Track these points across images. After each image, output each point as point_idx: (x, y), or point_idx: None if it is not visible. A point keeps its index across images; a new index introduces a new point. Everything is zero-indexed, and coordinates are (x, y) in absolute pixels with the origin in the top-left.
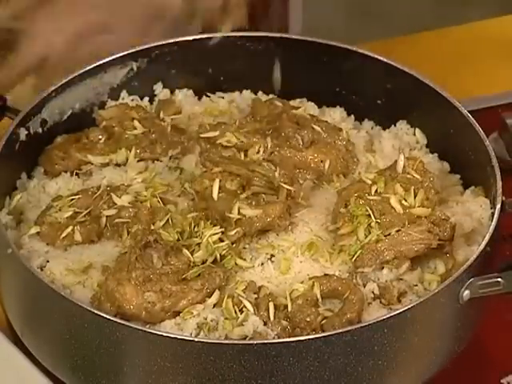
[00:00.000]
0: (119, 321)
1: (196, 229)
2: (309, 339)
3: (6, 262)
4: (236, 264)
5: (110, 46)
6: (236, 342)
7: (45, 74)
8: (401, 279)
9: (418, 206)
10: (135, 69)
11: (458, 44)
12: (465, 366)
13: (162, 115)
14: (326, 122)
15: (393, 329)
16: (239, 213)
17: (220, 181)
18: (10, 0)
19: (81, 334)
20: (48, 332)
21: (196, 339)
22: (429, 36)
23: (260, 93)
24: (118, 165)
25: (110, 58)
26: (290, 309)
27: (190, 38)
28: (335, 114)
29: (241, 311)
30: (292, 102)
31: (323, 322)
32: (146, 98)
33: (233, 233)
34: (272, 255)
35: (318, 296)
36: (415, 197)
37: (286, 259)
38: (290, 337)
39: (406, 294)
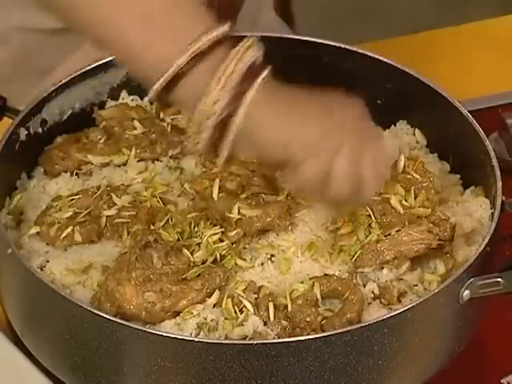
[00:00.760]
0: (119, 321)
1: (196, 229)
2: (309, 339)
3: (6, 261)
4: (236, 264)
5: None
6: (236, 342)
7: None
8: (401, 279)
9: (419, 207)
10: None
11: (457, 44)
12: (465, 366)
13: (161, 115)
14: None
15: (393, 329)
16: (239, 213)
17: (220, 181)
18: None
19: (81, 334)
20: (48, 332)
21: (196, 339)
22: (429, 36)
23: None
24: (117, 165)
25: (110, 58)
26: (289, 309)
27: None
28: None
29: (241, 311)
30: None
31: (323, 322)
32: (146, 98)
33: (233, 233)
34: (272, 255)
35: (318, 296)
36: (416, 197)
37: (285, 259)
38: (290, 337)
39: (406, 294)
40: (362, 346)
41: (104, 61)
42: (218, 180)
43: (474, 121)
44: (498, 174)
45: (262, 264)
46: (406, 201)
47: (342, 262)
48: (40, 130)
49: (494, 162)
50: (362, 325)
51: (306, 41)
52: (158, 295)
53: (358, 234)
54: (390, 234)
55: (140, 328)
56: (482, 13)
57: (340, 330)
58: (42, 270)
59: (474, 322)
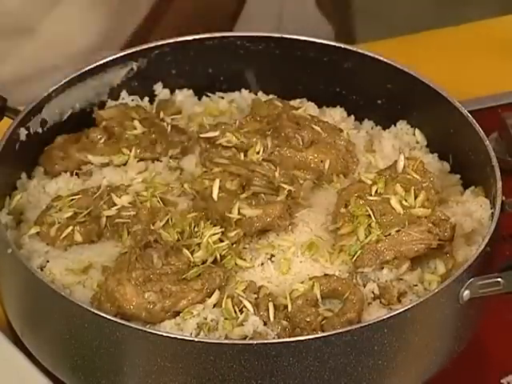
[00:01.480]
0: (119, 321)
1: (196, 229)
2: (309, 339)
3: (6, 262)
4: (236, 264)
5: None
6: (236, 341)
7: None
8: (401, 279)
9: (419, 207)
10: (135, 69)
11: (457, 44)
12: (465, 366)
13: (162, 115)
14: (326, 122)
15: (393, 329)
16: (239, 213)
17: (220, 181)
18: None
19: (81, 334)
20: (48, 332)
21: (196, 339)
22: (429, 36)
23: (260, 93)
24: (117, 165)
25: (110, 58)
26: (290, 309)
27: (190, 37)
28: (335, 114)
29: (241, 311)
30: (292, 102)
31: (323, 322)
32: (146, 98)
33: (233, 234)
34: (272, 255)
35: (318, 296)
36: (416, 197)
37: (285, 259)
38: (290, 337)
39: (406, 294)
40: (361, 346)
41: (104, 61)
42: (218, 180)
43: (474, 121)
44: (498, 174)
45: (262, 264)
46: (405, 201)
47: (342, 262)
48: (40, 130)
49: (494, 162)
50: (362, 325)
51: (306, 41)
52: (158, 295)
53: (358, 234)
54: (389, 234)
55: (140, 328)
56: (482, 13)
57: (340, 330)
58: (42, 269)
59: (474, 321)
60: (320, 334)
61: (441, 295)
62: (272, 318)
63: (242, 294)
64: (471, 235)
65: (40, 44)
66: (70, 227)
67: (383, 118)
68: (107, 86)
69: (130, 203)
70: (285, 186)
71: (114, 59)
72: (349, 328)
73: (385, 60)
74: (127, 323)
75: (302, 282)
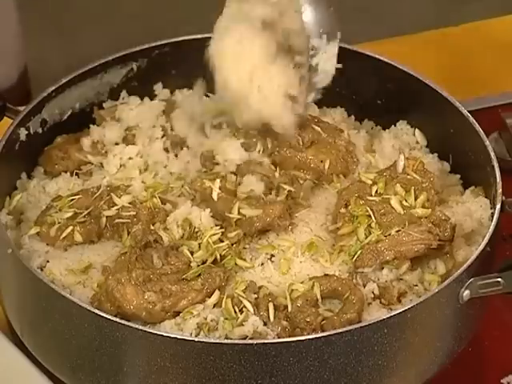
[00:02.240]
0: (119, 321)
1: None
2: (309, 339)
3: (6, 261)
4: (236, 264)
5: None
6: (236, 341)
7: None
8: (401, 279)
9: (419, 207)
10: (135, 69)
11: (458, 44)
12: (465, 366)
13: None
14: (327, 122)
15: (393, 329)
16: (239, 213)
17: (220, 181)
18: None
19: (81, 334)
20: (48, 332)
21: (196, 339)
22: (429, 36)
23: None
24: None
25: (110, 58)
26: (289, 309)
27: (190, 37)
28: (335, 115)
29: (241, 311)
30: None
31: (323, 322)
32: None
33: (233, 234)
34: (272, 255)
35: (318, 296)
36: (416, 198)
37: (285, 259)
38: (290, 337)
39: (406, 294)
40: (362, 346)
41: (104, 61)
42: (218, 180)
43: (474, 121)
44: (498, 174)
45: (262, 264)
46: (406, 201)
47: (342, 262)
48: (40, 130)
49: (494, 162)
50: (362, 325)
51: None
52: (158, 295)
53: (358, 234)
54: (390, 234)
55: (140, 328)
56: (482, 13)
57: (340, 330)
58: (42, 270)
59: (474, 322)
60: (320, 334)
61: (441, 295)
62: (272, 318)
63: (242, 294)
64: (471, 235)
65: None
66: (70, 227)
67: (383, 118)
68: (107, 86)
69: (129, 203)
70: (285, 186)
71: (114, 59)
72: (349, 328)
73: (385, 60)
74: (127, 323)
75: (302, 282)
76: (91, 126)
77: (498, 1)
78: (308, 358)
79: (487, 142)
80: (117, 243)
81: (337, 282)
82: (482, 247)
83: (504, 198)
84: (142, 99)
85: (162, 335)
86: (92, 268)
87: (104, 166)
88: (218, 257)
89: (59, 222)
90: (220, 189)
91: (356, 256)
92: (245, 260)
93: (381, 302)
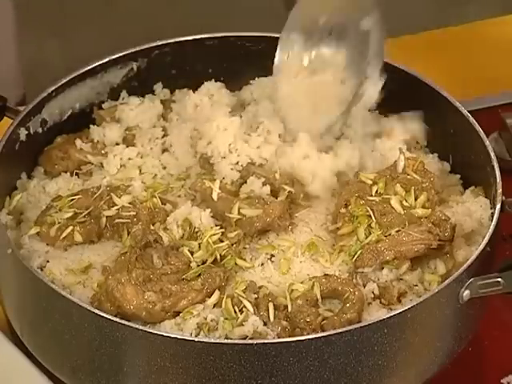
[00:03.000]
0: (119, 321)
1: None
2: (309, 339)
3: (6, 261)
4: (236, 264)
5: None
6: (236, 341)
7: None
8: (401, 279)
9: (419, 207)
10: (135, 69)
11: (458, 44)
12: (465, 366)
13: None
14: None
15: (393, 329)
16: (239, 213)
17: (220, 181)
18: None
19: (81, 334)
20: (48, 332)
21: (196, 339)
22: (429, 36)
23: None
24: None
25: (110, 58)
26: (289, 309)
27: (190, 37)
28: None
29: (241, 311)
30: None
31: (323, 322)
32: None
33: (233, 235)
34: (272, 255)
35: (318, 296)
36: (416, 199)
37: (285, 259)
38: (290, 337)
39: (406, 294)
40: (362, 346)
41: (104, 61)
42: (218, 180)
43: (474, 121)
44: (498, 174)
45: (262, 264)
46: (406, 201)
47: (342, 262)
48: (40, 130)
49: (494, 162)
50: (362, 325)
51: None
52: (158, 295)
53: (358, 234)
54: (390, 234)
55: (140, 328)
56: (482, 13)
57: (340, 330)
58: (42, 270)
59: (474, 322)
60: (320, 334)
61: (441, 295)
62: (272, 318)
63: (242, 294)
64: (471, 235)
65: None
66: (70, 227)
67: (383, 118)
68: (107, 86)
69: (129, 203)
70: (285, 186)
71: (114, 59)
72: (349, 328)
73: (385, 60)
74: (127, 323)
75: (302, 282)
76: (91, 126)
77: (498, 1)
78: (308, 358)
79: (487, 142)
80: (117, 243)
81: (337, 282)
82: (481, 247)
83: (504, 197)
84: (142, 99)
85: (162, 335)
86: (92, 268)
87: (104, 166)
88: (218, 257)
89: (59, 222)
90: (220, 189)
91: (356, 256)
92: (245, 260)
93: (381, 302)
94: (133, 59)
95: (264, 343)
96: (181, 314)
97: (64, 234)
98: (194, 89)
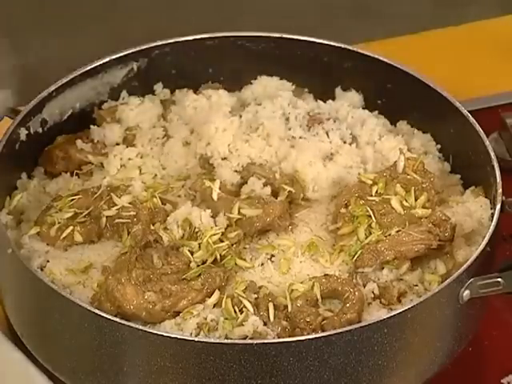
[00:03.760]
0: (119, 321)
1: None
2: (309, 339)
3: (7, 261)
4: (236, 264)
5: None
6: (236, 341)
7: None
8: (401, 279)
9: (419, 208)
10: (135, 69)
11: (458, 44)
12: (465, 366)
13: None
14: None
15: (393, 329)
16: (239, 213)
17: (220, 182)
18: None
19: (81, 334)
20: (48, 332)
21: (196, 339)
22: (429, 36)
23: None
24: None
25: (111, 58)
26: (289, 309)
27: (190, 38)
28: None
29: (241, 311)
30: None
31: (323, 322)
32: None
33: (233, 235)
34: (272, 255)
35: (318, 296)
36: (416, 199)
37: (286, 259)
38: (289, 337)
39: (406, 294)
40: (362, 346)
41: (104, 61)
42: (218, 180)
43: (475, 121)
44: (498, 173)
45: (262, 264)
46: (406, 201)
47: (342, 262)
48: (40, 130)
49: (494, 162)
50: (362, 325)
51: (305, 41)
52: (158, 295)
53: (359, 234)
54: (390, 235)
55: (140, 328)
56: (482, 13)
57: (340, 330)
58: (42, 270)
59: (474, 322)
60: (320, 334)
61: (441, 295)
62: (272, 318)
63: (242, 294)
64: (471, 235)
65: None
66: (70, 227)
67: (383, 118)
68: (107, 86)
69: (130, 203)
70: (285, 186)
71: (114, 59)
72: (349, 328)
73: (385, 60)
74: (127, 323)
75: (302, 282)
76: (91, 126)
77: (498, 1)
78: (308, 358)
79: (487, 142)
80: (117, 243)
81: (337, 282)
82: (482, 247)
83: (504, 197)
84: (142, 99)
85: (161, 335)
86: (92, 268)
87: (104, 166)
88: (218, 257)
89: (59, 222)
90: (220, 189)
91: (356, 256)
92: (245, 260)
93: (381, 302)
94: (133, 59)
95: (264, 343)
96: (181, 314)
97: (64, 234)
98: (195, 89)
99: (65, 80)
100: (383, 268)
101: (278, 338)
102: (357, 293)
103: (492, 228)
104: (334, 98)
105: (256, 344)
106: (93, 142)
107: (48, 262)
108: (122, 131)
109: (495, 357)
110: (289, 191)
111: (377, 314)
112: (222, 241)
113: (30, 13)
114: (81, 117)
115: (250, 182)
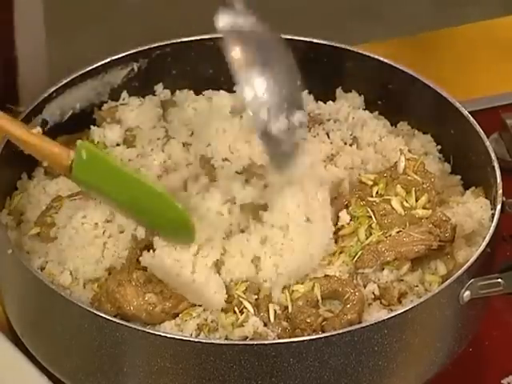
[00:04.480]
0: (119, 321)
1: None
2: (309, 340)
3: (7, 262)
4: None
5: None
6: (236, 342)
7: None
8: (401, 280)
9: (420, 208)
10: (136, 69)
11: (458, 44)
12: (465, 366)
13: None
14: None
15: (393, 329)
16: None
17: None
18: None
19: (81, 335)
20: (48, 332)
21: (196, 339)
22: (429, 36)
23: None
24: None
25: (111, 59)
26: (290, 310)
27: (191, 38)
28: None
29: (241, 312)
30: None
31: (324, 323)
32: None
33: None
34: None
35: (319, 297)
36: (417, 199)
37: None
38: (290, 338)
39: (407, 295)
40: (362, 347)
41: (105, 61)
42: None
43: (475, 121)
44: (499, 174)
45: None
46: (406, 202)
47: (343, 263)
48: (40, 131)
49: (495, 162)
50: (363, 325)
51: (306, 41)
52: (159, 297)
53: (359, 234)
54: (390, 235)
55: (140, 328)
56: (482, 13)
57: (340, 331)
58: (42, 270)
59: (475, 322)
60: (320, 335)
61: (441, 296)
62: (272, 319)
63: (243, 295)
64: (472, 236)
65: None
66: None
67: (383, 118)
68: (108, 87)
69: None
70: None
71: (114, 59)
72: (349, 329)
73: (385, 60)
74: (127, 323)
75: (303, 283)
76: (92, 126)
77: (499, 1)
78: (308, 359)
79: (488, 143)
80: None
81: (337, 283)
82: (482, 248)
83: (504, 198)
84: (142, 100)
85: (162, 336)
86: None
87: None
88: None
89: None
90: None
91: (356, 257)
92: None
93: (381, 303)
94: (133, 60)
95: (264, 344)
96: (180, 315)
97: None
98: (195, 89)
99: (65, 80)
100: (383, 269)
101: (279, 338)
102: (357, 293)
103: (492, 229)
104: (334, 99)
105: (256, 344)
106: (93, 143)
107: (48, 262)
108: (122, 132)
109: (495, 357)
110: None
111: (377, 314)
112: None
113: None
114: (81, 117)
115: (250, 183)
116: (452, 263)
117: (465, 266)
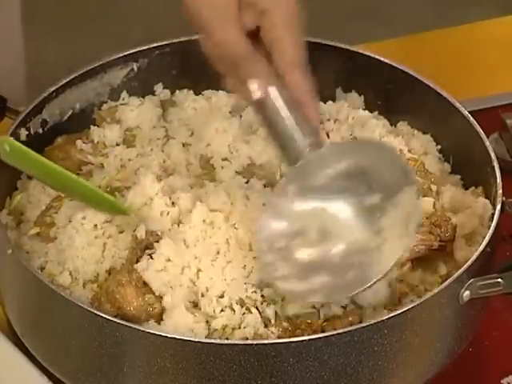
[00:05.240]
0: (119, 321)
1: None
2: (309, 340)
3: (6, 262)
4: None
5: None
6: (236, 342)
7: None
8: (402, 280)
9: None
10: (136, 69)
11: (458, 44)
12: (465, 366)
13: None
14: None
15: (393, 329)
16: None
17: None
18: None
19: (81, 335)
20: (48, 332)
21: (196, 339)
22: (429, 36)
23: None
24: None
25: (111, 59)
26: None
27: (191, 38)
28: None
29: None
30: None
31: (324, 323)
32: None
33: None
34: None
35: None
36: None
37: None
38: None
39: (407, 295)
40: (362, 347)
41: (104, 61)
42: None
43: (475, 121)
44: (499, 174)
45: None
46: None
47: None
48: (40, 131)
49: (495, 162)
50: (363, 325)
51: (305, 41)
52: (159, 297)
53: None
54: None
55: (140, 328)
56: (482, 13)
57: (340, 331)
58: (42, 270)
59: (474, 322)
60: (320, 335)
61: (441, 296)
62: (273, 320)
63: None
64: (472, 236)
65: None
66: None
67: (383, 118)
68: (107, 87)
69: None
70: None
71: (114, 59)
72: (349, 329)
73: (385, 60)
74: (127, 323)
75: None
76: (91, 126)
77: (498, 1)
78: (308, 359)
79: (487, 143)
80: None
81: None
82: (482, 248)
83: (504, 198)
84: (142, 100)
85: (162, 336)
86: None
87: (104, 166)
88: None
89: None
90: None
91: None
92: None
93: None
94: (133, 60)
95: (264, 344)
96: None
97: None
98: (195, 89)
99: (65, 80)
100: None
101: (279, 339)
102: None
103: (492, 228)
104: (334, 99)
105: (256, 344)
106: (93, 143)
107: (48, 262)
108: (122, 132)
109: (495, 357)
110: None
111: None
112: None
113: (28, 13)
114: (81, 117)
115: (250, 183)
116: (452, 263)
117: (465, 266)
